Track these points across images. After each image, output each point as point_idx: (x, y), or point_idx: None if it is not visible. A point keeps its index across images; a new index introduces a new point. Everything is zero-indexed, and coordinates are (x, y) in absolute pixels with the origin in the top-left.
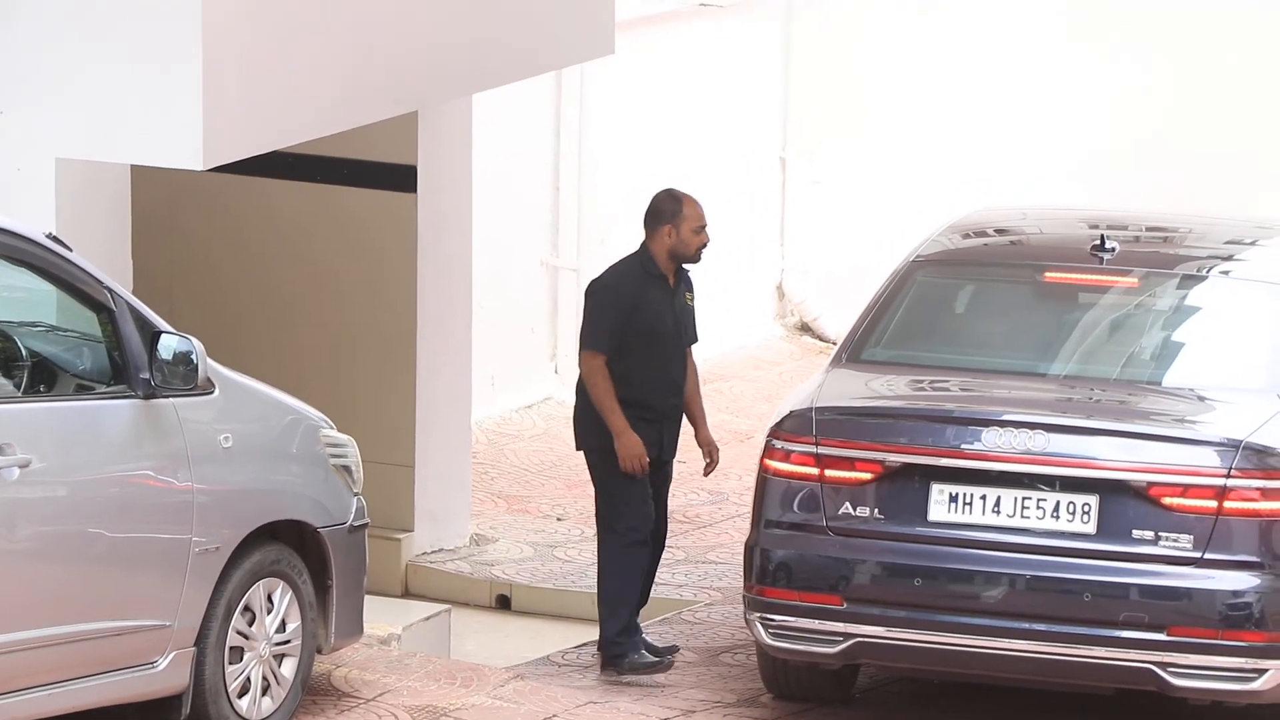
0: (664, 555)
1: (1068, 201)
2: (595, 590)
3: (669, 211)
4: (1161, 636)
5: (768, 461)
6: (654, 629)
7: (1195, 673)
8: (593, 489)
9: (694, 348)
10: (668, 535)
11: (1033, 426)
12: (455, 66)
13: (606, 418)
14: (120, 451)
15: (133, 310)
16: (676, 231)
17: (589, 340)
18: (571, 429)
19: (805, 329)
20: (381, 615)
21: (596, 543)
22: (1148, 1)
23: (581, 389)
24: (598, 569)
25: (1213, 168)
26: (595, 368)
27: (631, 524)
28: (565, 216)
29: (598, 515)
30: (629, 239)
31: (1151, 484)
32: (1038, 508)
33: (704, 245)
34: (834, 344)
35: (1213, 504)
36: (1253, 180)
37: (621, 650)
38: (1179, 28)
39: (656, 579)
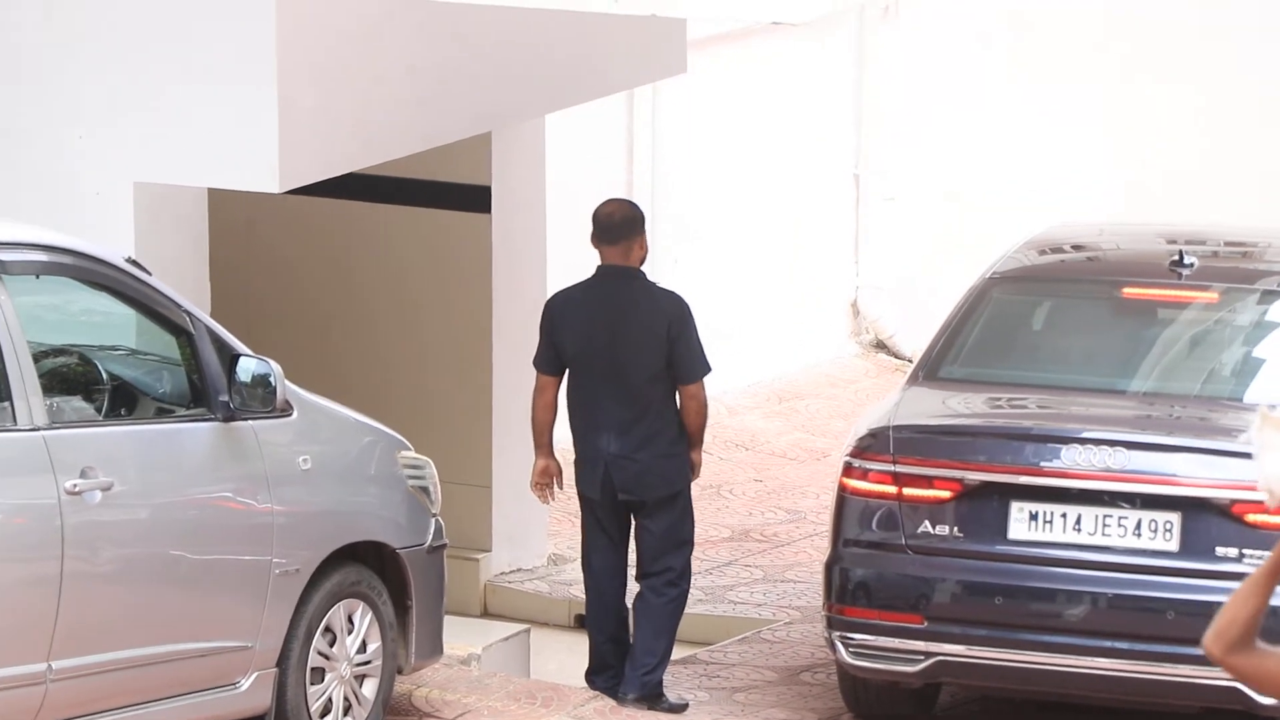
0: (743, 574)
1: (1144, 218)
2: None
3: (640, 220)
4: None
5: (846, 480)
6: (733, 648)
7: None
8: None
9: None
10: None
11: (1113, 444)
12: (528, 87)
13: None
14: (200, 474)
15: (211, 333)
16: (644, 242)
17: (706, 366)
18: None
19: (880, 346)
20: (461, 635)
21: None
22: (1212, 24)
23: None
24: None
25: None
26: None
27: (585, 565)
28: None
29: None
30: (702, 256)
31: (1234, 501)
32: (1119, 525)
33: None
34: (909, 361)
35: None
36: None
37: (590, 684)
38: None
39: (736, 598)
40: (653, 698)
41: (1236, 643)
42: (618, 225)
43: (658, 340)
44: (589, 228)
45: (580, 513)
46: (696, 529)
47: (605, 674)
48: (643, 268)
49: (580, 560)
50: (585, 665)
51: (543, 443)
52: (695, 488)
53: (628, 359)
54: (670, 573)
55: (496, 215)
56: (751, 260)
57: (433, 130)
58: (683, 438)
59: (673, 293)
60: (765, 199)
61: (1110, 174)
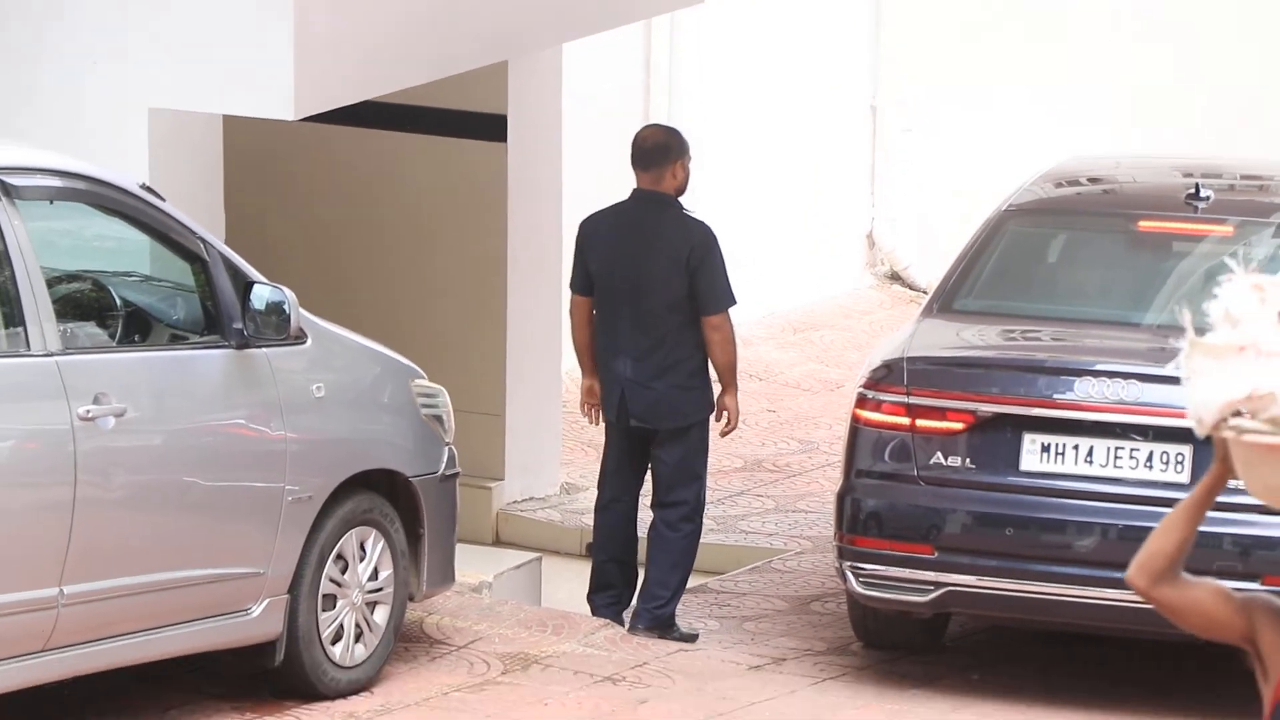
0: (755, 504)
1: (1162, 150)
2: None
3: (679, 147)
4: (1256, 586)
5: (859, 411)
6: (744, 578)
7: None
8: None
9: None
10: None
11: (1126, 376)
12: (546, 15)
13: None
14: (214, 401)
15: (225, 260)
16: (685, 169)
17: (730, 298)
18: None
19: (895, 278)
20: (473, 563)
21: None
22: None
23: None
24: None
25: None
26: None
27: (600, 486)
28: None
29: None
30: (718, 187)
31: None
32: (1130, 457)
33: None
34: (924, 293)
35: None
36: None
37: (591, 606)
38: None
39: (748, 528)
40: (664, 629)
41: (1161, 575)
42: (649, 151)
43: (679, 267)
44: (605, 158)
45: (605, 435)
46: (710, 459)
47: (606, 593)
48: (682, 197)
49: (598, 479)
50: None
51: (585, 362)
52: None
53: (648, 284)
54: (684, 506)
55: (513, 144)
56: (767, 191)
57: (448, 58)
58: (703, 371)
59: (701, 222)
60: (782, 130)
61: (1138, 105)
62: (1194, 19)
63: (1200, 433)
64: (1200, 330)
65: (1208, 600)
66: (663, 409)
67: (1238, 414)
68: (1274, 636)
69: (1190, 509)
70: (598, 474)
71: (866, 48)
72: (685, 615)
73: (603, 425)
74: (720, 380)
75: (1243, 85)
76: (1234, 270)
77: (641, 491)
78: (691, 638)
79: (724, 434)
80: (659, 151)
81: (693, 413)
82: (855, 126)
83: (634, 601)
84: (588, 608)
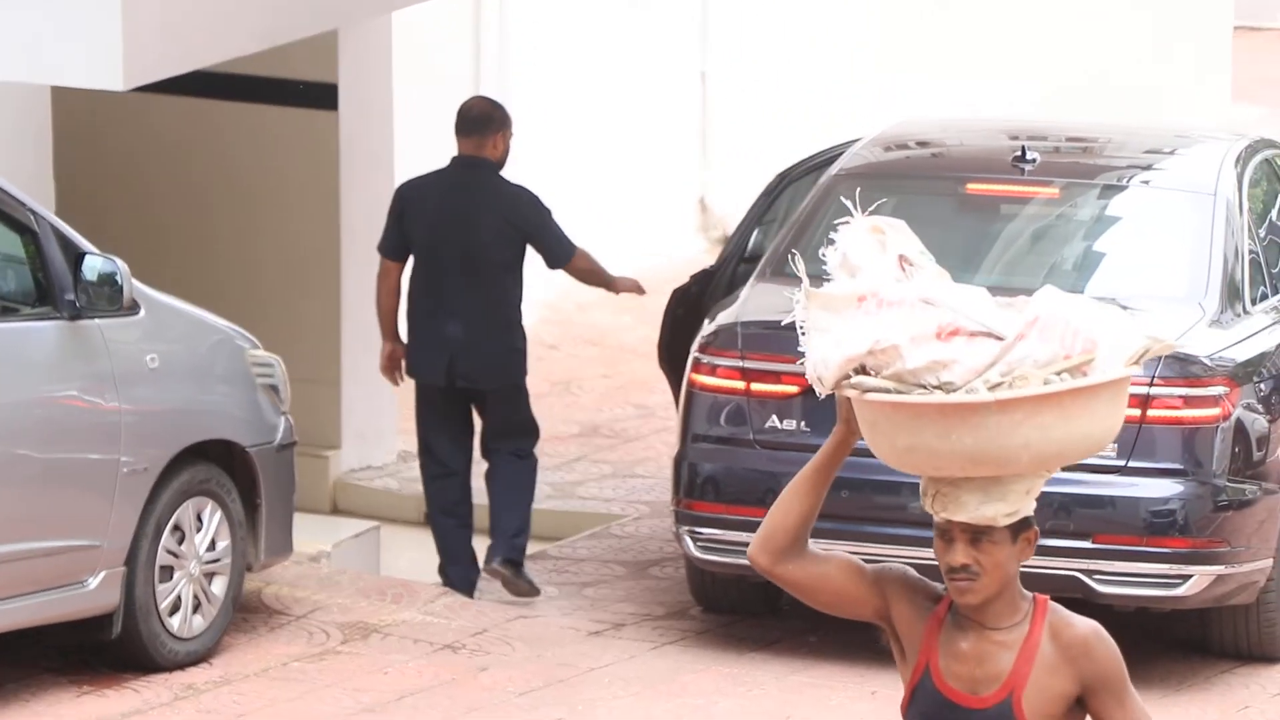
0: (592, 469)
1: (990, 113)
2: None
3: (500, 119)
4: (1087, 544)
5: (694, 376)
6: (582, 543)
7: (1120, 579)
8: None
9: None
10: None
11: None
12: None
13: None
14: (46, 373)
15: (56, 231)
16: (506, 140)
17: (572, 245)
18: None
19: (728, 242)
20: (311, 533)
21: None
22: None
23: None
24: None
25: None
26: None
27: (424, 455)
28: None
29: None
30: (548, 154)
31: None
32: None
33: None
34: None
35: (1136, 412)
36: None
37: (446, 581)
38: None
39: (585, 494)
40: (517, 565)
41: (784, 551)
42: (475, 119)
43: (510, 229)
44: (437, 127)
45: (416, 403)
46: (546, 425)
47: (459, 565)
48: (502, 171)
49: (418, 450)
50: (435, 562)
51: (388, 327)
52: (545, 384)
53: (476, 245)
54: (519, 447)
55: (343, 113)
56: (599, 157)
57: (279, 27)
58: (524, 332)
59: (523, 187)
60: (612, 96)
61: (962, 69)
62: None
63: (821, 392)
64: (818, 280)
65: (838, 576)
66: (494, 369)
67: (860, 370)
68: (908, 610)
69: (812, 477)
70: (417, 443)
71: (696, 13)
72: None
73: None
74: (604, 285)
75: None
76: (854, 214)
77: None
78: (537, 590)
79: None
80: (484, 120)
81: (518, 372)
82: (685, 92)
83: (492, 536)
84: (428, 575)
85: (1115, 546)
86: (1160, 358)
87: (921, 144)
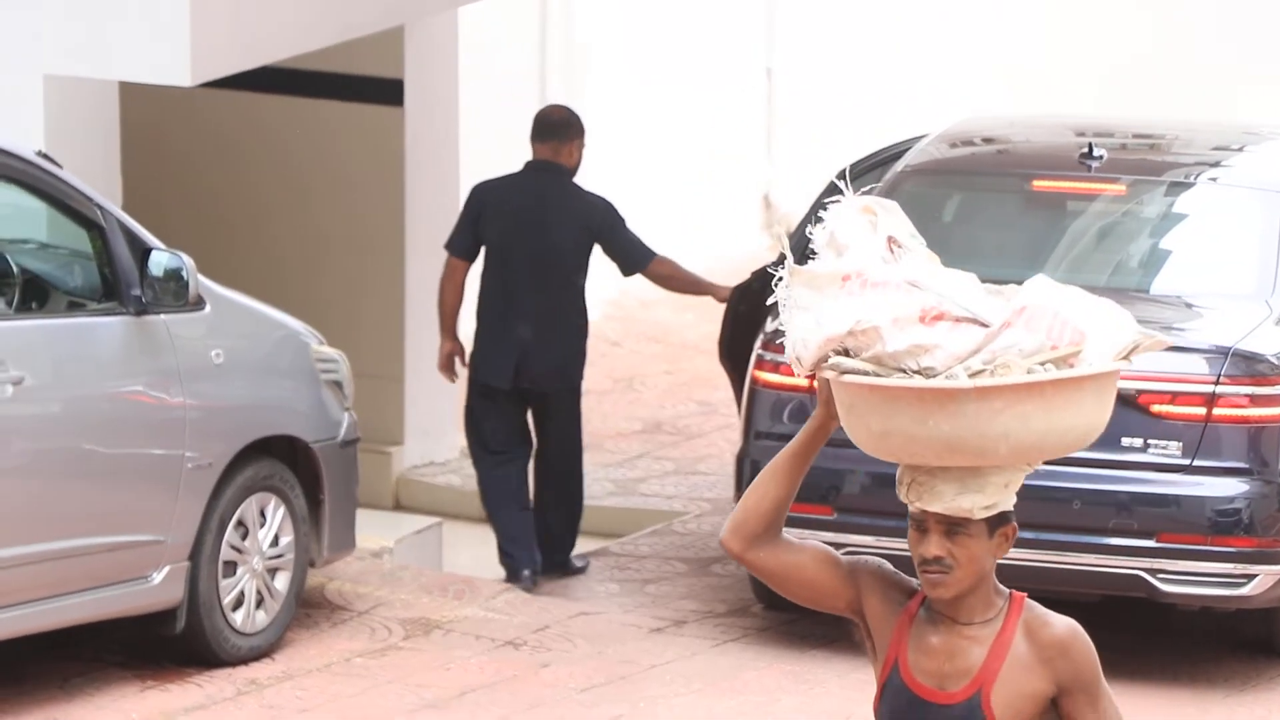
0: (654, 466)
1: (1056, 109)
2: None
3: (579, 126)
4: (1151, 543)
5: (757, 373)
6: (644, 540)
7: (1184, 579)
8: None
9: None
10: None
11: None
12: None
13: None
14: (113, 368)
15: (123, 227)
16: (581, 148)
17: (650, 251)
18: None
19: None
20: (373, 529)
21: None
22: None
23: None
24: None
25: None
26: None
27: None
28: None
29: None
30: (615, 150)
31: (1140, 391)
32: None
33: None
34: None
35: (1201, 411)
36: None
37: (510, 564)
38: None
39: (647, 490)
40: (564, 566)
41: (757, 537)
42: (551, 126)
43: (586, 235)
44: (503, 123)
45: (470, 400)
46: (609, 422)
47: (524, 548)
48: (575, 177)
49: (470, 446)
50: (496, 557)
51: (449, 325)
52: (608, 381)
53: (551, 250)
54: (576, 460)
55: (409, 109)
56: (664, 153)
57: (345, 23)
58: (586, 338)
59: (599, 195)
60: (679, 92)
61: (1031, 65)
62: None
63: (799, 372)
64: (805, 257)
65: (811, 565)
66: (559, 372)
67: (842, 352)
68: (880, 604)
69: (789, 461)
70: (469, 442)
71: (762, 9)
72: (586, 580)
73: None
74: (694, 290)
75: (1133, 49)
76: (845, 193)
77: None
78: (583, 569)
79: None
80: (562, 126)
81: (578, 375)
82: (751, 89)
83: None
84: (490, 571)
85: (1180, 545)
86: (1226, 357)
87: (987, 140)
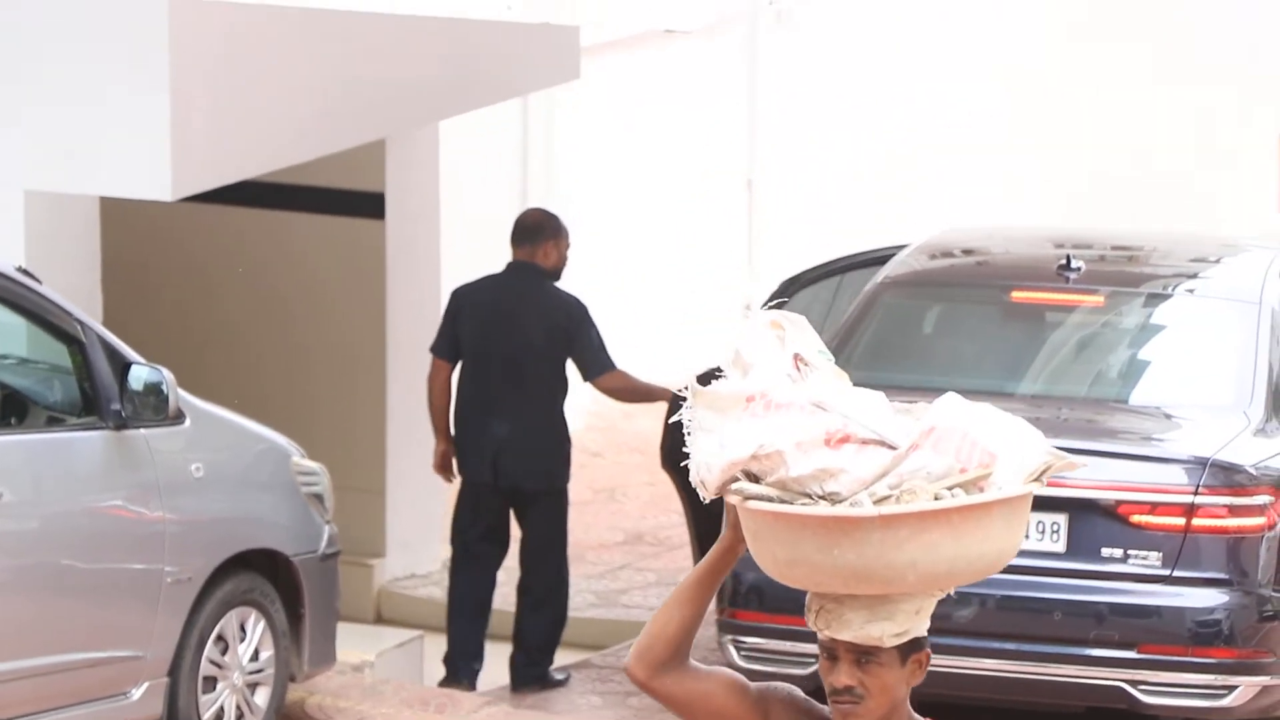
0: (636, 577)
1: (1035, 222)
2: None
3: (553, 228)
4: (1132, 654)
5: None
6: (626, 652)
7: (1166, 690)
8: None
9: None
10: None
11: None
12: (422, 94)
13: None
14: (92, 483)
15: (103, 342)
16: (558, 249)
17: (610, 362)
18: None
19: None
20: (354, 642)
21: None
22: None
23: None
24: None
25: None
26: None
27: (455, 546)
28: None
29: None
30: (596, 260)
31: (1120, 502)
32: None
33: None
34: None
35: (1181, 521)
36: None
37: (450, 670)
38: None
39: (629, 602)
40: (542, 679)
41: (662, 663)
42: (526, 228)
43: (556, 334)
44: (486, 234)
45: (457, 503)
46: (591, 532)
47: (466, 656)
48: (558, 280)
49: (453, 546)
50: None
51: (440, 425)
52: (589, 492)
53: (524, 348)
54: (556, 567)
55: (391, 221)
56: (645, 264)
57: (326, 138)
58: (567, 438)
59: (572, 295)
60: (660, 203)
61: (1010, 177)
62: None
63: (705, 497)
64: (708, 378)
65: (719, 694)
66: (537, 469)
67: (748, 475)
68: None
69: (695, 585)
70: (451, 541)
71: (743, 121)
72: (568, 692)
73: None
74: (654, 398)
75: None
76: (757, 311)
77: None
78: (564, 681)
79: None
80: (536, 229)
81: (561, 475)
82: (732, 200)
83: (518, 661)
84: (444, 670)
85: (1161, 657)
86: (1205, 467)
87: (966, 251)
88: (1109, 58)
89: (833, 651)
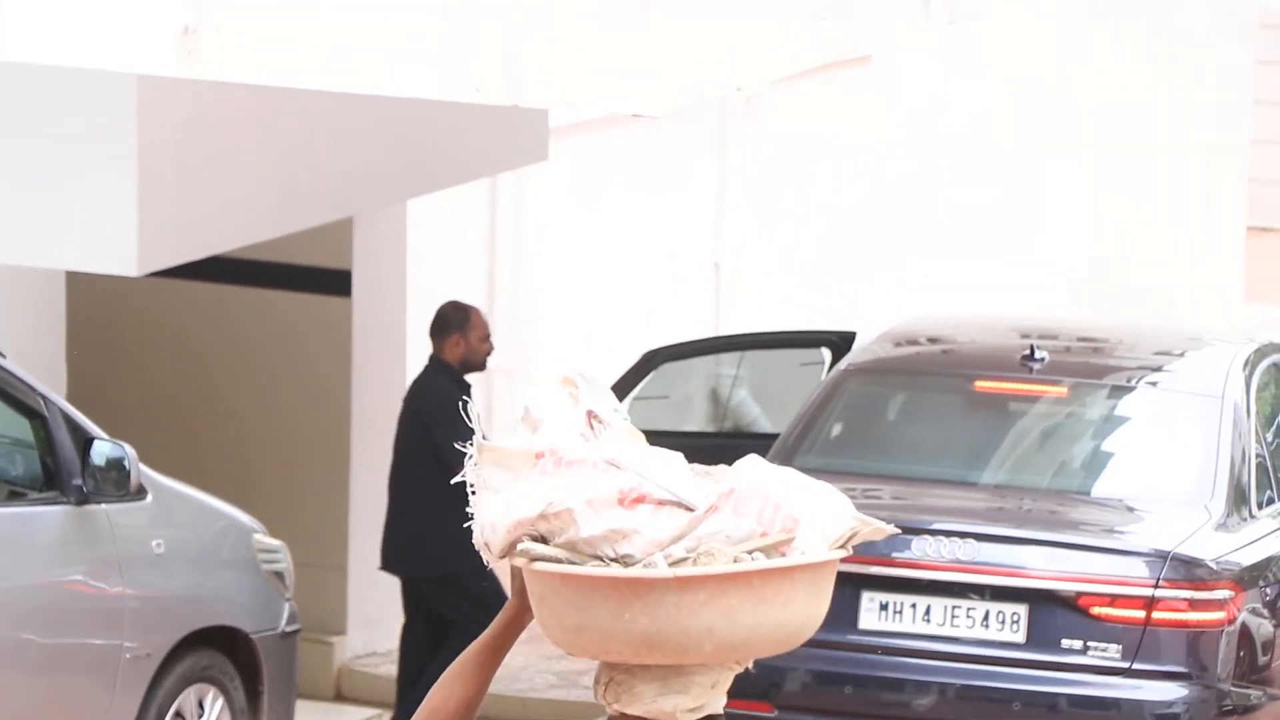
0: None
1: (1000, 309)
2: (526, 695)
3: (456, 320)
4: None
5: None
6: None
7: None
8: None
9: None
10: None
11: (963, 535)
12: (390, 174)
13: None
14: (51, 558)
15: (65, 416)
16: (465, 341)
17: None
18: None
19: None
20: None
21: None
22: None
23: None
24: None
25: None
26: None
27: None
28: (500, 319)
29: None
30: (563, 342)
31: (1080, 594)
32: (967, 616)
33: (488, 354)
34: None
35: (1141, 614)
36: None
37: None
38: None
39: (588, 683)
40: None
41: None
42: (433, 323)
43: (420, 425)
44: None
45: None
46: None
47: None
48: (477, 372)
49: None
50: None
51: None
52: None
53: (403, 440)
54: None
55: (357, 299)
56: (613, 347)
57: (293, 215)
58: (453, 522)
59: (442, 389)
60: (627, 283)
61: (980, 262)
62: (1029, 175)
63: (488, 560)
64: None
65: None
66: (413, 556)
67: (536, 537)
68: None
69: (477, 658)
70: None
71: (711, 205)
72: None
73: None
74: None
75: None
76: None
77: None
78: None
79: None
80: (438, 324)
81: (446, 561)
82: (699, 283)
83: None
84: None
85: None
86: (1165, 561)
87: (932, 340)
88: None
89: None
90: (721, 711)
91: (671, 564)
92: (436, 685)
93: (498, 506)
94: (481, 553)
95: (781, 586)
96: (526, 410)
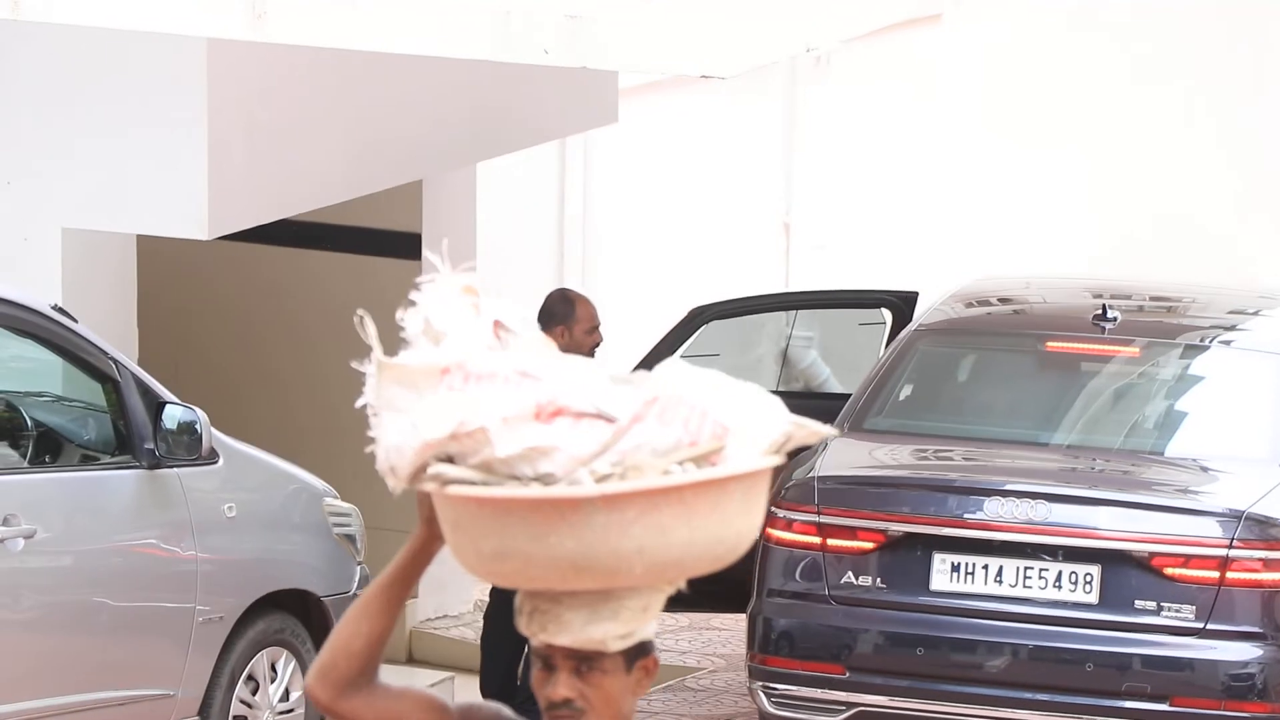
0: (668, 620)
1: (1072, 271)
2: None
3: (561, 313)
4: (1164, 707)
5: (770, 530)
6: (657, 695)
7: None
8: None
9: None
10: None
11: (1035, 496)
12: (459, 136)
13: None
14: (125, 521)
15: (137, 381)
16: (570, 333)
17: None
18: None
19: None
20: None
21: None
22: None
23: None
24: None
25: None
26: None
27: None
28: (569, 281)
29: None
30: (634, 304)
31: (1154, 554)
32: (1040, 577)
33: (597, 345)
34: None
35: (1215, 574)
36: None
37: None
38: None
39: (661, 646)
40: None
41: (349, 682)
42: (539, 313)
43: None
44: (522, 275)
45: None
46: None
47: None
48: (593, 354)
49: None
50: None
51: None
52: None
53: None
54: None
55: (427, 263)
56: (682, 309)
57: (363, 178)
58: None
59: None
60: (696, 247)
61: (1049, 227)
62: (1100, 135)
63: (394, 486)
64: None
65: (413, 714)
66: None
67: (446, 459)
68: None
69: (383, 593)
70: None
71: (779, 165)
72: None
73: None
74: None
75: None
76: (440, 269)
77: None
78: None
79: None
80: (543, 314)
81: None
82: (769, 243)
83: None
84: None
85: (1194, 710)
86: (1240, 521)
87: (1003, 300)
88: (1166, 102)
89: (548, 660)
90: (652, 637)
91: (597, 480)
92: (341, 622)
93: (403, 428)
94: (386, 479)
95: (716, 499)
96: (426, 322)
